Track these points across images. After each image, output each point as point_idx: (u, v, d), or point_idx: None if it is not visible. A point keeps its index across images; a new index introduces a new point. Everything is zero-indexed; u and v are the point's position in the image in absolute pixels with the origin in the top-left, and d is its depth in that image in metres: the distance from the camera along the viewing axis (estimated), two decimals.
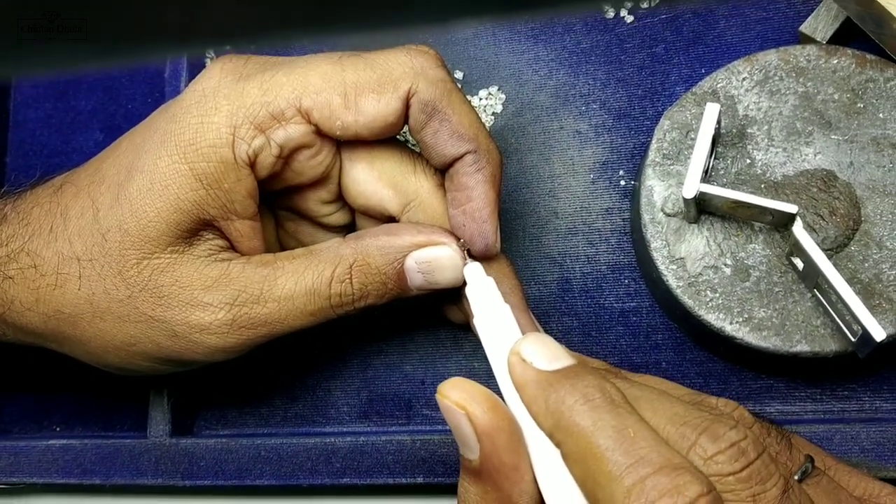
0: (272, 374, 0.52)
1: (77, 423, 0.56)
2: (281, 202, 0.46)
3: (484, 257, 0.43)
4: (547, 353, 0.35)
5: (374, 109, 0.41)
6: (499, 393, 0.37)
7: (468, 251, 0.43)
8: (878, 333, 0.39)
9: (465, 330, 0.48)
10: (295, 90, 0.41)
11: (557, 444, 0.34)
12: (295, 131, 0.41)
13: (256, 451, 0.49)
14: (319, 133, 0.42)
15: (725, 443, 0.33)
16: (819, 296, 0.42)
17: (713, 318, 0.44)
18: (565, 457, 0.33)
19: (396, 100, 0.41)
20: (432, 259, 0.42)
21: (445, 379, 0.50)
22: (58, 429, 0.56)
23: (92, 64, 0.16)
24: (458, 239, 0.43)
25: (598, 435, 0.32)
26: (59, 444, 0.52)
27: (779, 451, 0.35)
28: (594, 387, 0.34)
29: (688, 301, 0.44)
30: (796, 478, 0.34)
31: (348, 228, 0.47)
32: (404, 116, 0.42)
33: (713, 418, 0.34)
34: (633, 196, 0.49)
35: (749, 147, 0.45)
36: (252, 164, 0.41)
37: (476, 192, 0.42)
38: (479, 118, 0.43)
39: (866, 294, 0.42)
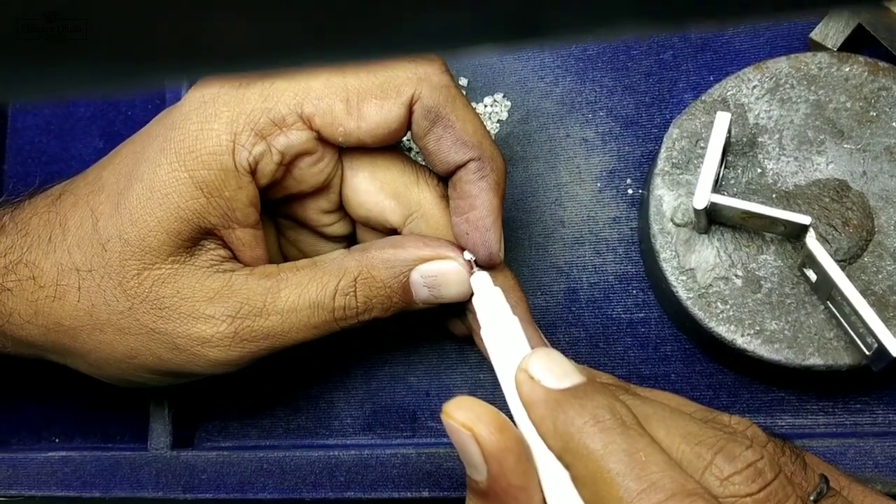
0: (274, 384, 0.52)
1: (77, 434, 0.55)
2: (281, 211, 0.46)
3: (487, 266, 0.42)
4: (556, 370, 0.35)
5: (378, 116, 0.41)
6: (505, 407, 0.37)
7: (474, 262, 0.42)
8: (894, 347, 0.38)
9: (471, 342, 0.47)
10: (296, 96, 0.40)
11: (567, 466, 0.33)
12: (296, 138, 0.41)
13: (259, 464, 0.48)
14: (321, 140, 0.42)
15: (742, 463, 0.32)
16: (832, 308, 0.42)
17: (724, 331, 0.43)
18: (575, 479, 0.33)
19: (400, 106, 0.41)
20: (438, 273, 0.41)
21: (451, 391, 0.50)
22: (57, 440, 0.55)
23: (91, 86, 0.16)
24: (464, 252, 0.42)
25: (608, 458, 0.31)
26: (58, 457, 0.51)
27: (793, 470, 0.34)
28: (604, 407, 0.33)
29: (698, 313, 0.43)
30: (812, 498, 0.34)
31: (349, 238, 0.47)
32: (407, 123, 0.41)
33: (728, 437, 0.33)
34: (641, 205, 0.48)
35: (760, 156, 0.44)
36: (253, 172, 0.41)
37: (479, 200, 0.41)
38: (484, 125, 0.42)
39: (880, 306, 0.42)
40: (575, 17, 0.14)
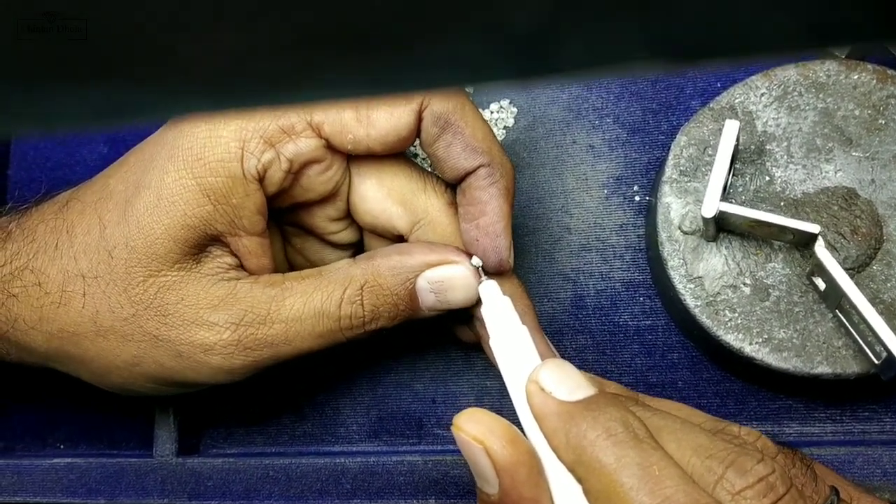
0: (280, 391, 0.52)
1: (82, 440, 0.55)
2: (288, 218, 0.45)
3: (497, 273, 0.42)
4: (567, 382, 0.34)
5: (387, 123, 0.41)
6: (513, 416, 0.37)
7: (482, 269, 0.42)
8: None
9: (477, 348, 0.47)
10: None
11: (579, 480, 0.33)
12: (305, 145, 0.41)
13: (265, 471, 0.48)
14: (330, 147, 0.41)
15: (753, 477, 0.32)
16: (841, 316, 0.41)
17: (732, 339, 0.43)
18: (587, 493, 0.33)
19: (409, 112, 0.40)
20: (445, 278, 0.41)
21: (457, 398, 0.50)
22: (62, 446, 0.55)
23: (93, 120, 0.16)
24: (471, 257, 0.42)
25: (621, 472, 0.31)
26: (63, 463, 0.51)
27: (804, 483, 0.34)
28: (617, 420, 0.33)
29: (706, 321, 0.43)
30: None
31: (356, 246, 0.46)
32: (417, 130, 0.41)
33: (739, 451, 0.33)
34: (648, 213, 0.48)
35: (768, 164, 0.44)
36: (261, 179, 0.41)
37: (490, 206, 0.41)
38: (492, 131, 0.42)
39: (889, 314, 0.41)
40: (586, 55, 0.14)
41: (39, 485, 0.51)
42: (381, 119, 0.40)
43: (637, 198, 0.49)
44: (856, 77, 0.44)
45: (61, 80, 0.15)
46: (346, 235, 0.45)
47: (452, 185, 0.43)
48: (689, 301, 0.44)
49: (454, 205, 0.43)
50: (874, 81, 0.44)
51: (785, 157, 0.44)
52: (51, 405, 0.56)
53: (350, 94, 0.15)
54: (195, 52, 0.14)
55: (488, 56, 0.14)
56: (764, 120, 0.45)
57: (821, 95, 0.45)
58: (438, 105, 0.40)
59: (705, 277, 0.44)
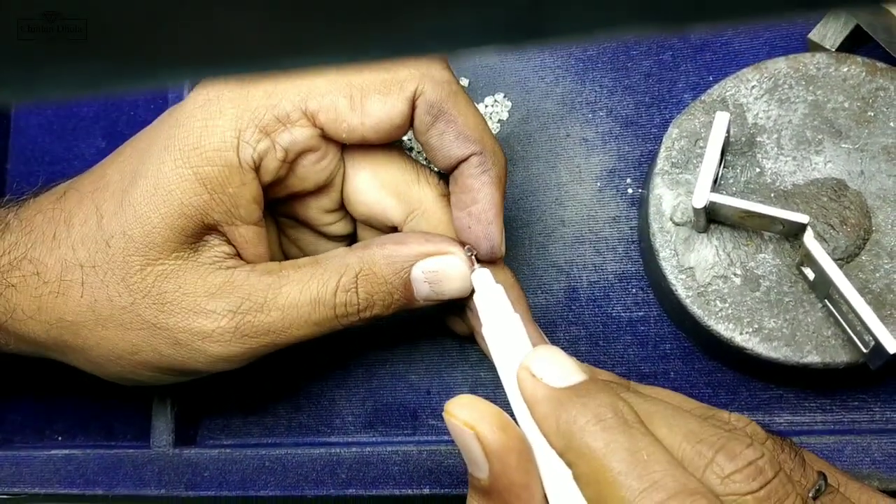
0: (276, 382, 0.52)
1: (79, 431, 0.55)
2: (283, 210, 0.46)
3: (489, 260, 0.43)
4: (558, 369, 0.35)
5: (381, 111, 0.41)
6: (506, 406, 0.37)
7: (475, 259, 0.42)
8: (892, 345, 0.39)
9: (472, 340, 0.47)
10: (300, 93, 0.41)
11: (569, 465, 0.33)
12: (300, 134, 0.41)
13: (261, 462, 0.49)
14: (325, 136, 0.42)
15: (743, 461, 0.32)
16: (830, 306, 0.42)
17: (723, 329, 0.43)
18: (577, 478, 0.33)
19: (403, 101, 0.41)
20: (439, 269, 0.42)
21: (451, 389, 0.50)
22: (60, 438, 0.55)
23: (92, 86, 0.16)
24: (465, 248, 0.42)
25: (610, 457, 0.31)
26: (61, 454, 0.51)
27: (793, 468, 0.35)
28: (606, 406, 0.33)
29: (697, 311, 0.44)
30: (811, 496, 0.34)
31: (350, 238, 0.47)
32: (410, 118, 0.42)
33: (729, 436, 0.33)
34: (640, 205, 0.48)
35: (758, 156, 0.45)
36: (257, 168, 0.41)
37: (482, 193, 0.42)
38: (485, 120, 0.42)
39: (877, 304, 0.42)
40: (576, 19, 0.14)
41: (37, 476, 0.51)
42: (376, 107, 0.41)
43: (630, 190, 0.50)
44: (845, 70, 0.45)
45: (60, 63, 0.15)
46: (340, 227, 0.46)
47: (445, 177, 0.44)
48: (681, 291, 0.44)
49: (447, 196, 0.43)
50: (864, 74, 0.45)
51: (775, 148, 0.45)
52: (48, 397, 0.56)
53: (343, 61, 0.15)
54: (194, 35, 0.14)
55: (477, 20, 0.14)
56: (755, 112, 0.45)
57: (811, 88, 0.45)
58: (432, 93, 0.41)
59: (696, 268, 0.44)
